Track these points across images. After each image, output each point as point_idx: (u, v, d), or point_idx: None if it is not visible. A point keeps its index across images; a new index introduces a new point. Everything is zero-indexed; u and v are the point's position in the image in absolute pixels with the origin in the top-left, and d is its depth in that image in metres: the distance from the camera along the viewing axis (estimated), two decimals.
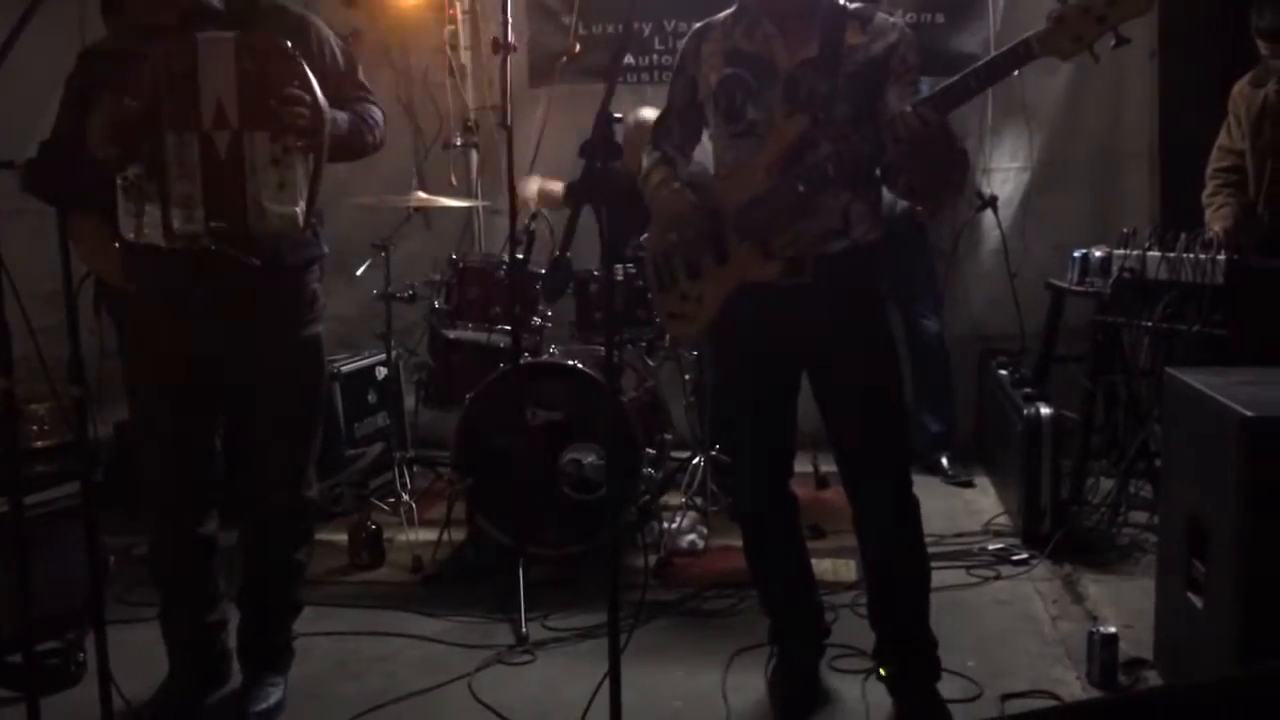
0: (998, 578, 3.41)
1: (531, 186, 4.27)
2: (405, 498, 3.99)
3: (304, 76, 2.33)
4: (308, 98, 2.32)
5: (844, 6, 2.42)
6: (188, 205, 2.31)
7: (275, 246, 2.45)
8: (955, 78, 2.20)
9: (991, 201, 4.62)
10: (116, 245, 2.50)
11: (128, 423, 3.38)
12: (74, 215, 2.99)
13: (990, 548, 3.62)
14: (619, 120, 2.09)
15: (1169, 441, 2.87)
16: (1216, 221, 3.70)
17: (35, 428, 4.19)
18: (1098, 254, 3.77)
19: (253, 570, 2.73)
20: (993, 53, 2.25)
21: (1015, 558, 3.52)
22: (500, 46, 3.29)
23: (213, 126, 2.30)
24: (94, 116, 2.28)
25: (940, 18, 4.74)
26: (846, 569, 3.39)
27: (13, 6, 2.08)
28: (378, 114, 2.63)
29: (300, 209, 2.36)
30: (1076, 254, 3.86)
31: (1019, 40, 2.16)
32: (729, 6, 2.52)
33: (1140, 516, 3.72)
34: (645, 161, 2.65)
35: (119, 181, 2.35)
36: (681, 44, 2.59)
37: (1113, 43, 2.08)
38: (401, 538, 3.77)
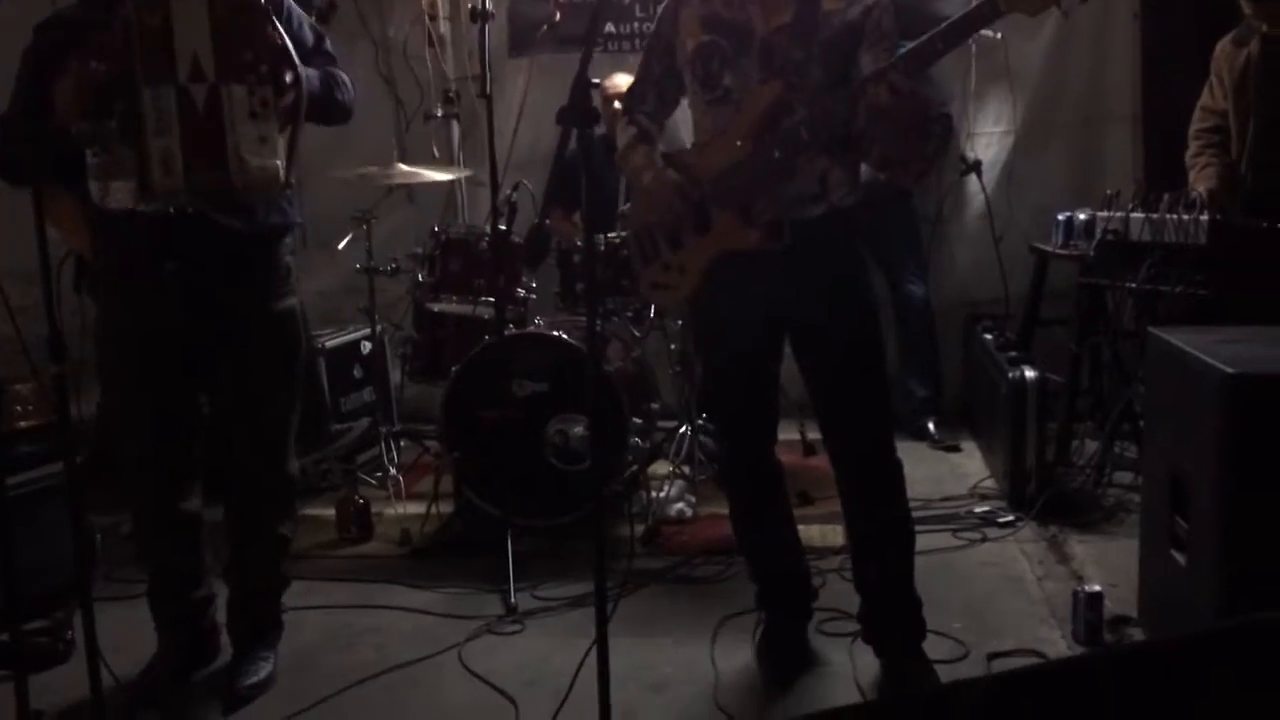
0: (984, 540, 3.43)
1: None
2: (393, 472, 3.99)
3: (277, 31, 2.32)
4: (282, 54, 2.30)
5: None
6: (167, 161, 2.28)
7: (251, 206, 2.43)
8: (922, 39, 2.19)
9: (975, 166, 4.62)
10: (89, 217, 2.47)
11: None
12: (51, 193, 2.97)
13: (976, 510, 3.64)
14: (597, 85, 2.06)
15: (1151, 400, 2.88)
16: (1200, 182, 3.69)
17: (19, 408, 4.16)
18: (1081, 217, 3.76)
19: (238, 545, 2.73)
20: None
21: (1001, 520, 3.55)
22: (479, 15, 3.27)
23: (189, 80, 2.27)
24: (62, 86, 2.25)
25: None
26: (834, 534, 3.40)
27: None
28: (345, 78, 2.63)
29: (281, 163, 2.35)
30: (1060, 217, 3.87)
31: None
32: None
33: (1125, 477, 3.75)
34: (621, 138, 2.63)
35: (89, 153, 2.32)
36: (660, 9, 2.57)
37: None
38: (390, 511, 3.77)
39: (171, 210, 2.36)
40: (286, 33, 2.43)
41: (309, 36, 2.57)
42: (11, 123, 2.41)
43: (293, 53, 2.34)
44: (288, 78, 2.32)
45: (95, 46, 2.25)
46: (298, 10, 2.57)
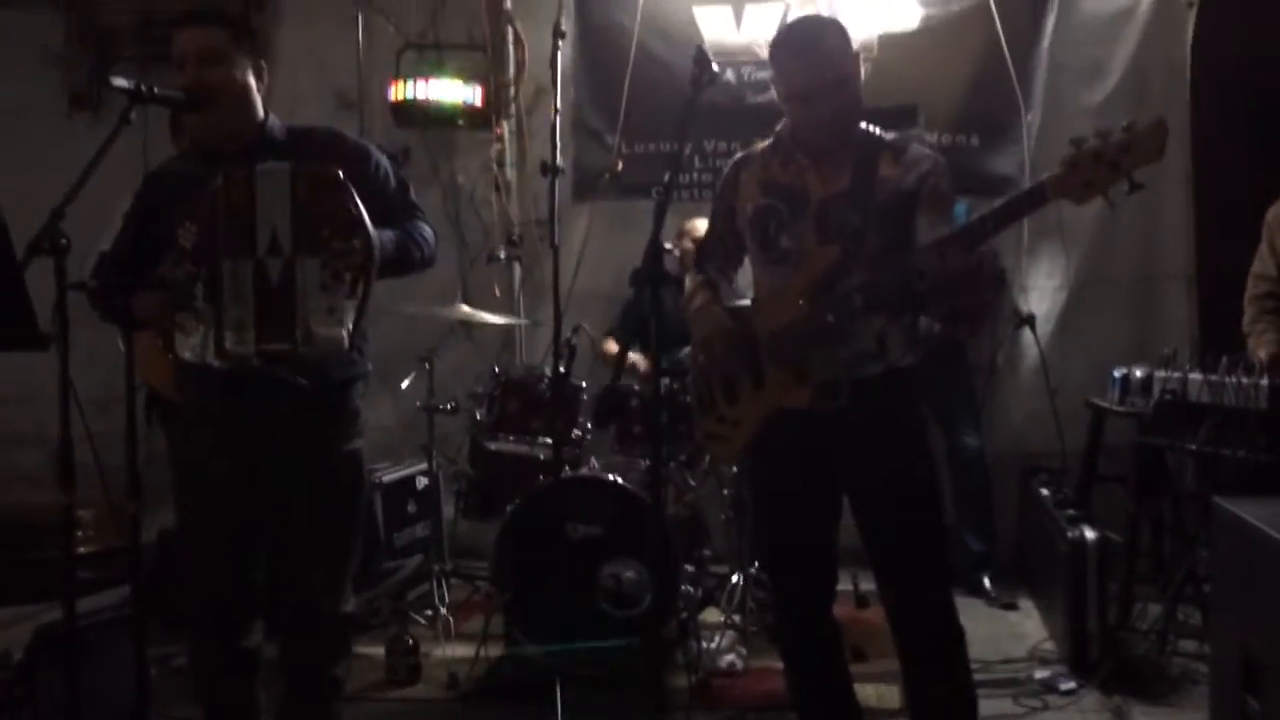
0: (1046, 708, 3.32)
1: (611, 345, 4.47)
2: (443, 611, 3.98)
3: (355, 204, 2.40)
4: (358, 227, 2.40)
5: (879, 138, 2.49)
6: (240, 328, 2.38)
7: (322, 365, 2.51)
8: (973, 219, 2.25)
9: (1029, 319, 4.65)
10: (169, 359, 2.54)
11: (172, 532, 3.42)
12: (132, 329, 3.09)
13: (1037, 675, 3.54)
14: (669, 252, 2.14)
15: (1217, 573, 2.82)
16: (1261, 348, 3.68)
17: (80, 533, 4.22)
18: (1138, 374, 3.74)
19: (291, 685, 2.71)
20: (1027, 174, 2.29)
21: (1063, 687, 3.43)
22: (549, 169, 3.41)
23: (267, 254, 2.38)
24: (168, 255, 2.39)
25: (975, 140, 4.82)
26: (891, 695, 3.32)
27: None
28: (428, 232, 2.69)
29: (346, 332, 2.42)
30: (1117, 373, 3.85)
31: (1034, 184, 2.21)
32: (766, 126, 2.60)
33: (1190, 645, 3.63)
34: (689, 284, 2.70)
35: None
36: (723, 164, 2.67)
37: (1126, 188, 2.10)
38: (438, 652, 3.74)
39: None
40: (373, 183, 2.53)
41: (393, 186, 2.65)
42: (108, 263, 2.53)
43: (367, 224, 2.39)
44: (361, 247, 2.38)
45: (190, 209, 2.38)
46: (384, 160, 2.66)
